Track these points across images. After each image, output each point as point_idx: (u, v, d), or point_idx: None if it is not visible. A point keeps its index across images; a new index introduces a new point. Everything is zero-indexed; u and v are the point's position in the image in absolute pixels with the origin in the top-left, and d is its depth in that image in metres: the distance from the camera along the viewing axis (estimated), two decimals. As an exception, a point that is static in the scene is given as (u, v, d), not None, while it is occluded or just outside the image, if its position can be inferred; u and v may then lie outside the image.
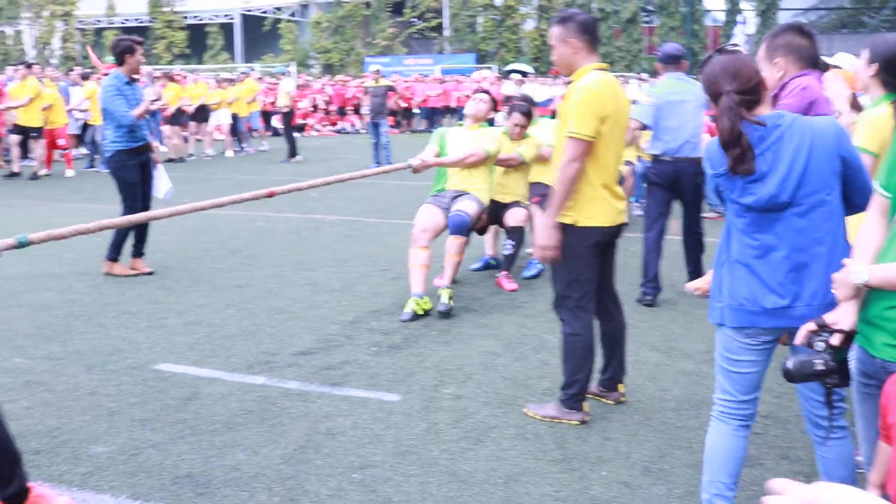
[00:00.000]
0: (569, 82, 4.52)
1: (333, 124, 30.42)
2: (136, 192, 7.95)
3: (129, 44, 7.95)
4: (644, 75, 29.67)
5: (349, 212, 11.75)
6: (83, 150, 18.43)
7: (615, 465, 4.08)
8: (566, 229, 4.40)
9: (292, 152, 19.36)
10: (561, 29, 4.46)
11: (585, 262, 4.45)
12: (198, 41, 51.07)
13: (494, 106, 7.61)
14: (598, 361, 4.75)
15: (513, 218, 7.55)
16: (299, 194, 12.69)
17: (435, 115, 30.05)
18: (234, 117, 21.44)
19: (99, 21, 53.63)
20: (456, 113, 29.78)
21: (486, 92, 7.65)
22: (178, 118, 19.86)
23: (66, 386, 5.10)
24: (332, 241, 9.65)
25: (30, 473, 3.95)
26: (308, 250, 9.16)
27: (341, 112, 30.82)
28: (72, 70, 22.92)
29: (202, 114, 20.50)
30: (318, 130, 29.30)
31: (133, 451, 4.23)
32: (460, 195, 7.08)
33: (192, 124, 20.63)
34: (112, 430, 4.48)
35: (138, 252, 8.13)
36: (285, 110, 19.85)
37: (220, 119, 21.16)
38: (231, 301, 7.02)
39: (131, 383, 5.14)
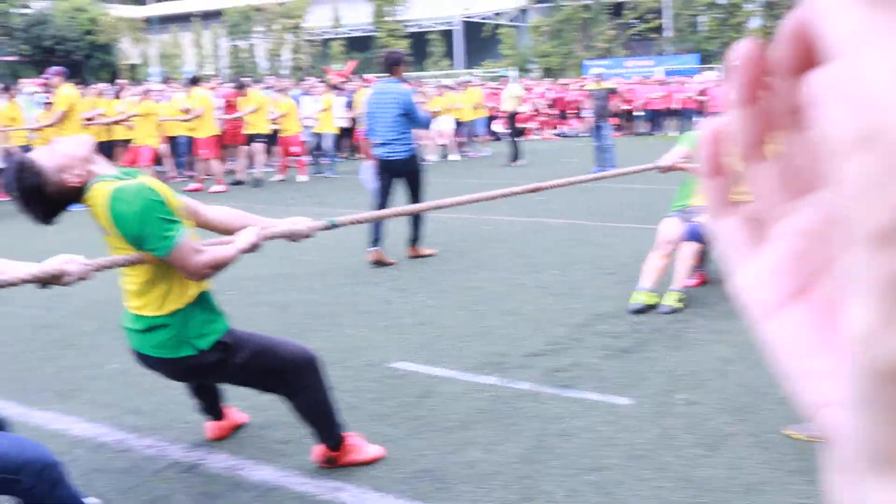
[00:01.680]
0: None
1: (554, 128, 30.49)
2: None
3: (398, 56, 9.09)
4: None
5: (573, 215, 11.76)
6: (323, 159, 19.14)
7: (861, 479, 3.92)
8: None
9: (515, 156, 19.55)
10: None
11: None
12: (419, 49, 52.31)
13: None
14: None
15: None
16: (523, 198, 12.81)
17: (657, 118, 29.60)
18: (458, 123, 21.87)
19: (325, 32, 55.79)
20: (679, 115, 29.25)
21: None
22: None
23: (308, 381, 5.35)
24: (557, 245, 9.69)
25: (278, 462, 4.20)
26: (534, 253, 9.23)
27: (562, 115, 30.85)
28: (303, 80, 23.98)
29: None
30: (538, 135, 29.45)
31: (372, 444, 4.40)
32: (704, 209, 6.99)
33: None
34: (352, 425, 4.65)
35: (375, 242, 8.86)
36: (514, 111, 20.10)
37: (443, 125, 21.61)
38: (461, 302, 7.18)
39: (368, 380, 5.34)
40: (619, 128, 28.08)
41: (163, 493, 3.94)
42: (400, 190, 9.07)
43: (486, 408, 4.85)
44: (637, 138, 27.71)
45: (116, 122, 16.25)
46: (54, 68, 15.00)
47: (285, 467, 4.18)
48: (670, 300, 6.70)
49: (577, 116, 30.30)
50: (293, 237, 3.95)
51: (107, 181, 3.57)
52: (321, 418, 4.06)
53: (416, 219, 9.08)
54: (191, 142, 16.85)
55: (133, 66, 58.86)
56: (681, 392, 5.03)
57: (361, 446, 4.23)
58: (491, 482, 3.95)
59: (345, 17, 54.76)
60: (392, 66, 9.02)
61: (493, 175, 17.36)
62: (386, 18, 52.95)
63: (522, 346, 5.97)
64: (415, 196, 8.96)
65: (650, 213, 11.75)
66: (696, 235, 6.89)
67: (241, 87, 17.21)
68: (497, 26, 51.20)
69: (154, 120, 15.64)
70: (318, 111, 18.16)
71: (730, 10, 44.91)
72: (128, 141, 16.15)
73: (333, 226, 4.09)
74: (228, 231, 3.95)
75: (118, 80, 22.85)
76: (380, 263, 8.77)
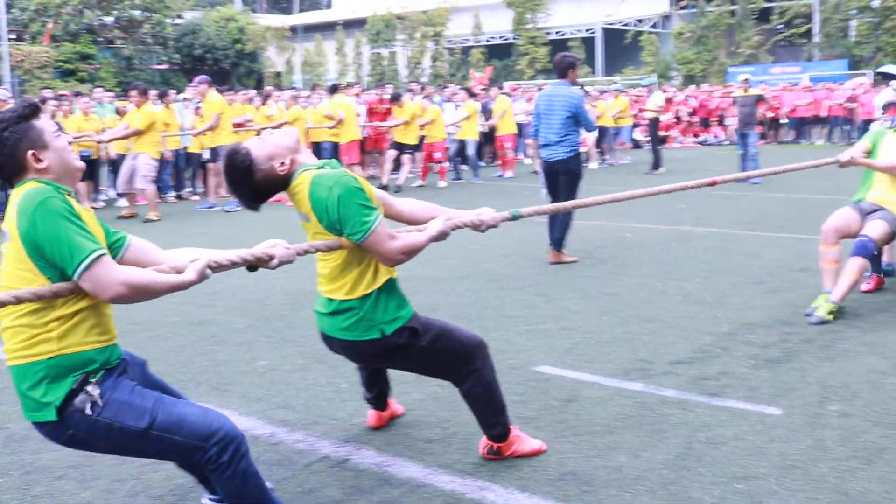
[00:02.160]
0: None
1: (696, 136, 29.99)
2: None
3: (571, 60, 9.35)
4: None
5: (718, 223, 11.57)
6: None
7: None
8: None
9: (656, 164, 19.33)
10: None
11: None
12: (560, 56, 52.14)
13: None
14: None
15: None
16: (666, 206, 12.68)
17: (804, 126, 28.80)
18: (601, 130, 21.76)
19: (466, 40, 56.14)
20: (826, 123, 28.38)
21: None
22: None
23: (453, 382, 5.42)
24: (702, 253, 9.55)
25: (425, 460, 4.27)
26: (676, 261, 9.12)
27: (704, 123, 30.31)
28: (445, 87, 24.23)
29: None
30: (680, 142, 29.02)
31: (519, 446, 4.44)
32: (876, 210, 6.92)
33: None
34: (498, 426, 4.71)
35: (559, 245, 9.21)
36: (656, 118, 19.93)
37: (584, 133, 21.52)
38: (604, 308, 7.15)
39: (514, 383, 5.36)
40: (763, 136, 27.44)
41: (314, 486, 4.05)
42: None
43: (632, 413, 4.83)
44: (782, 147, 27.05)
45: (266, 129, 16.74)
46: (200, 77, 15.62)
47: (431, 465, 4.24)
48: (823, 311, 6.56)
49: (721, 124, 29.74)
50: (479, 227, 4.14)
51: (310, 170, 3.79)
52: (489, 404, 4.15)
53: (563, 224, 9.14)
54: (335, 147, 17.23)
55: (278, 74, 60.43)
56: (833, 403, 4.90)
57: (525, 439, 4.32)
58: (637, 487, 3.93)
59: (486, 24, 54.99)
60: (565, 69, 9.26)
61: (633, 183, 17.16)
62: (527, 26, 52.94)
63: (667, 353, 5.92)
64: (568, 196, 8.95)
65: (794, 222, 11.51)
66: (864, 250, 6.71)
67: (396, 99, 17.50)
68: (639, 33, 50.63)
69: (302, 126, 16.04)
70: (462, 118, 18.34)
71: (884, 13, 43.23)
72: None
73: (517, 216, 4.31)
74: (415, 222, 4.16)
75: (264, 88, 23.52)
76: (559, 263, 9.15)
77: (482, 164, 20.34)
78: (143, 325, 6.90)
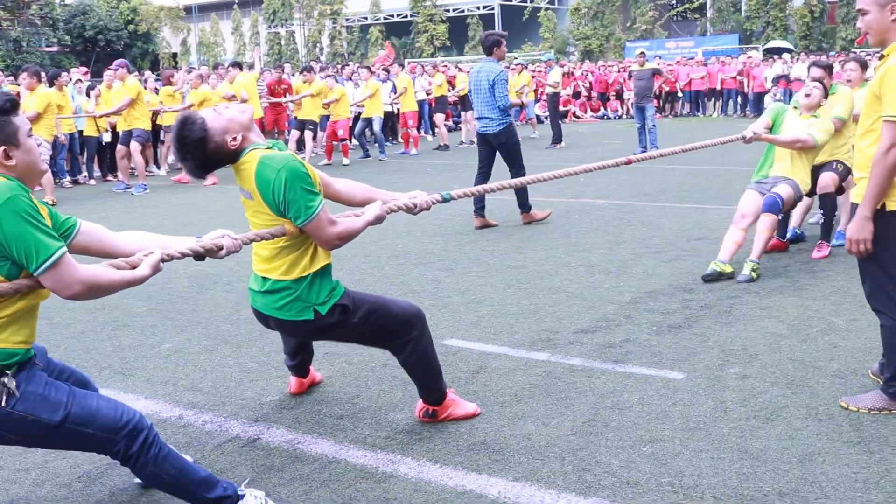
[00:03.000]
0: (880, 56, 4.28)
1: (595, 110, 30.36)
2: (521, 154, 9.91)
3: (495, 38, 9.82)
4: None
5: (619, 196, 11.76)
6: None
7: (918, 450, 3.92)
8: (883, 216, 4.15)
9: (557, 138, 19.52)
10: None
11: None
12: (458, 33, 52.24)
13: (826, 94, 7.54)
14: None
15: (821, 185, 7.69)
16: (568, 180, 12.81)
17: (699, 99, 29.42)
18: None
19: (364, 18, 55.85)
20: (720, 95, 29.05)
21: (820, 80, 7.55)
22: (444, 106, 20.74)
23: (361, 358, 5.41)
24: (604, 225, 9.70)
25: (335, 436, 4.27)
26: (580, 233, 9.25)
27: (603, 98, 30.71)
28: (345, 66, 24.09)
29: (467, 103, 21.06)
30: (578, 117, 29.35)
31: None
32: (781, 181, 7.30)
33: (463, 113, 21.34)
34: (407, 399, 4.73)
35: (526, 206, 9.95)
36: (556, 93, 20.17)
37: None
38: (509, 281, 7.21)
39: (422, 357, 5.38)
40: (660, 109, 27.94)
41: (225, 467, 4.02)
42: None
43: (539, 383, 4.89)
44: (678, 119, 27.57)
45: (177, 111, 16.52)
46: (119, 60, 15.67)
47: (342, 441, 4.24)
48: (747, 270, 7.01)
49: (618, 98, 30.17)
50: (413, 210, 4.30)
51: (259, 149, 3.85)
52: (427, 371, 4.30)
53: (518, 190, 9.76)
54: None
55: (174, 55, 59.29)
56: (733, 366, 5.04)
57: (460, 403, 4.49)
58: (546, 454, 3.99)
59: (384, 2, 54.78)
60: (490, 47, 9.84)
61: (538, 157, 17.33)
62: (425, 3, 52.89)
63: (573, 323, 6.00)
64: (511, 164, 9.88)
65: (692, 192, 11.77)
66: (774, 207, 7.07)
67: (309, 71, 17.69)
68: (537, 9, 50.97)
69: (210, 106, 15.80)
70: (366, 97, 18.28)
71: (772, -11, 44.41)
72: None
73: (448, 199, 4.52)
74: (352, 202, 4.34)
75: (163, 69, 23.10)
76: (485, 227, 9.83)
77: (386, 142, 20.31)
78: (41, 313, 6.72)
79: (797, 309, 6.14)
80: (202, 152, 3.80)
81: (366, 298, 4.17)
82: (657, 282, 7.01)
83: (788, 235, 8.14)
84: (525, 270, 7.60)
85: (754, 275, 6.97)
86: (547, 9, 50.95)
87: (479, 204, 9.84)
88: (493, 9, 52.66)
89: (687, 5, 47.42)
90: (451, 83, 23.24)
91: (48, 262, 2.97)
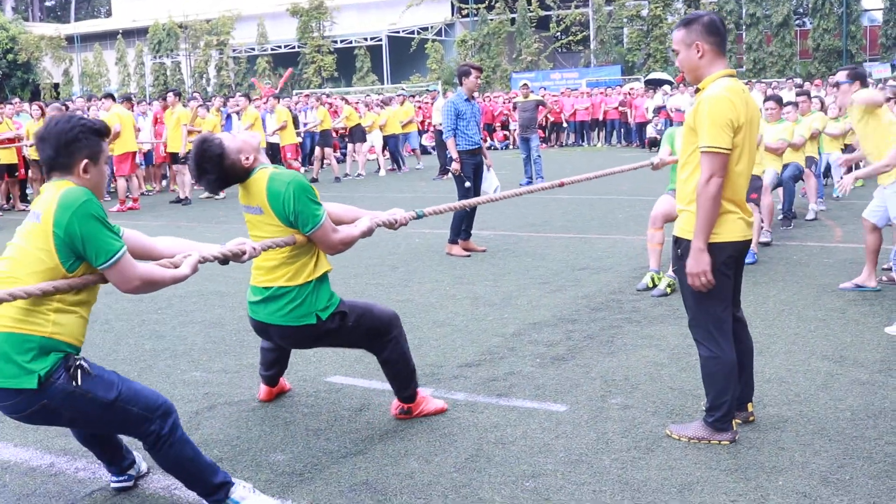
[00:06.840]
0: (696, 91, 4.41)
1: (484, 141, 30.57)
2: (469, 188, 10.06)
3: (463, 69, 9.98)
4: (798, 80, 28.94)
5: (503, 227, 11.84)
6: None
7: (791, 476, 3.99)
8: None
9: (444, 169, 19.60)
10: (685, 32, 4.29)
11: (720, 279, 4.25)
12: (346, 64, 52.24)
13: None
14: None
15: None
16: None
17: (584, 129, 29.93)
18: (389, 138, 21.96)
19: (252, 49, 55.43)
20: (604, 126, 29.61)
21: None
22: (329, 139, 20.66)
23: (242, 398, 5.30)
24: (489, 256, 9.74)
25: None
26: (465, 265, 9.27)
27: (489, 128, 30.99)
28: (231, 97, 23.79)
29: (359, 135, 20.99)
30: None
31: (310, 459, 4.37)
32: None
33: (350, 146, 21.27)
34: (288, 440, 4.64)
35: (467, 235, 10.10)
36: (439, 128, 20.19)
37: (373, 140, 21.67)
38: (394, 315, 7.16)
39: (304, 395, 5.30)
40: (545, 140, 28.35)
41: (96, 516, 3.87)
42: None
43: (423, 419, 4.84)
44: (564, 150, 28.00)
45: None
46: None
47: (221, 485, 4.11)
48: (663, 285, 7.48)
49: (504, 129, 30.49)
50: (393, 225, 4.83)
51: (267, 168, 4.38)
52: (403, 369, 4.75)
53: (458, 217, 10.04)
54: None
55: (55, 85, 57.81)
56: (615, 396, 5.08)
57: (430, 400, 4.95)
58: (429, 492, 3.95)
59: (271, 33, 54.50)
60: (460, 77, 10.14)
61: (422, 188, 17.40)
62: (313, 34, 52.80)
63: (457, 356, 5.99)
64: (459, 185, 10.32)
65: (575, 223, 11.93)
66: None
67: (178, 96, 17.57)
68: (424, 41, 51.33)
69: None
70: (246, 127, 18.06)
71: (652, 21, 45.61)
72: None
73: (421, 216, 5.05)
74: (339, 221, 4.67)
75: (40, 100, 22.48)
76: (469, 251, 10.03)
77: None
78: None
79: (677, 337, 6.23)
80: (220, 168, 4.28)
81: (355, 304, 4.63)
82: (541, 313, 7.05)
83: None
84: (410, 304, 7.56)
85: (670, 290, 7.41)
86: (434, 40, 51.33)
87: (464, 227, 10.08)
88: (380, 40, 52.83)
89: (571, 37, 48.35)
90: (335, 115, 23.12)
91: (113, 259, 3.42)
